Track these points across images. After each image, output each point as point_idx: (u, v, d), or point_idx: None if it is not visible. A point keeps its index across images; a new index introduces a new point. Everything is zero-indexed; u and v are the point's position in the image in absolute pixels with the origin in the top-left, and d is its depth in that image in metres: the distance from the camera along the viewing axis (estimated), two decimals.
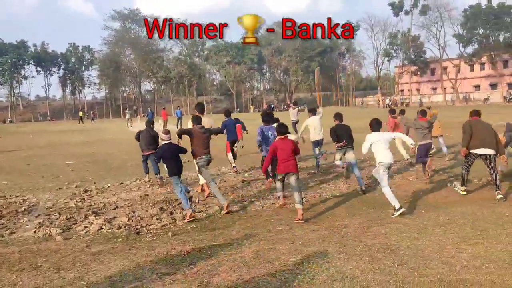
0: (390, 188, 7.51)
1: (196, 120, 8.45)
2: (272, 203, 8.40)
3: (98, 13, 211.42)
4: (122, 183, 11.29)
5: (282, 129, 7.62)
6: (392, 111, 13.62)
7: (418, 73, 78.81)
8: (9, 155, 19.37)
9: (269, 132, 9.09)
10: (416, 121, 10.89)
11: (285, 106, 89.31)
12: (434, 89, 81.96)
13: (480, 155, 8.36)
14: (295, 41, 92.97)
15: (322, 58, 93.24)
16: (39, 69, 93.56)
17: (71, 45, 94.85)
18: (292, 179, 7.33)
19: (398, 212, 7.17)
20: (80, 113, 60.38)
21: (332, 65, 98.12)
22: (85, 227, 7.19)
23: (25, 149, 21.94)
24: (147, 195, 9.65)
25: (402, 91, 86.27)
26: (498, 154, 8.48)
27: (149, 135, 11.24)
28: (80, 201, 9.21)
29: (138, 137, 11.35)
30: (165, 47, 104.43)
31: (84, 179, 12.26)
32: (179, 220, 7.44)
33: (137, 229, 7.03)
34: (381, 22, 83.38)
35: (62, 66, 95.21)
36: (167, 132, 8.18)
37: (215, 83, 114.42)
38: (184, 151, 8.15)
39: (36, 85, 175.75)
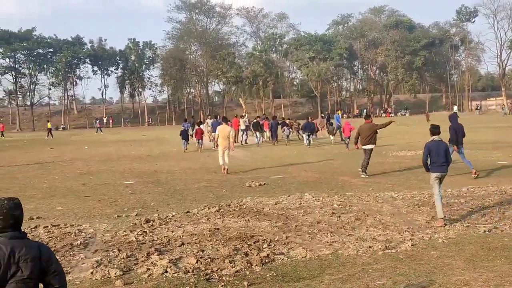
0: None
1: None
2: (370, 246, 8.18)
3: (162, 2, 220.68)
4: (188, 212, 11.57)
5: None
6: None
7: None
8: (64, 171, 20.64)
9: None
10: None
11: (382, 112, 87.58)
12: None
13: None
14: (395, 31, 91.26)
15: (429, 52, 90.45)
16: (95, 68, 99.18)
17: (131, 41, 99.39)
18: None
19: None
20: (49, 124, 58.33)
21: (442, 60, 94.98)
22: (148, 269, 7.42)
23: (80, 165, 23.26)
24: (218, 228, 9.80)
25: None
26: None
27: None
28: (142, 234, 9.53)
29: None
30: (237, 42, 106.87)
31: (145, 205, 12.73)
32: (256, 265, 7.47)
33: (207, 274, 7.13)
34: (507, 6, 79.44)
35: (121, 65, 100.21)
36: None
37: (295, 83, 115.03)
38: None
39: (92, 86, 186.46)
